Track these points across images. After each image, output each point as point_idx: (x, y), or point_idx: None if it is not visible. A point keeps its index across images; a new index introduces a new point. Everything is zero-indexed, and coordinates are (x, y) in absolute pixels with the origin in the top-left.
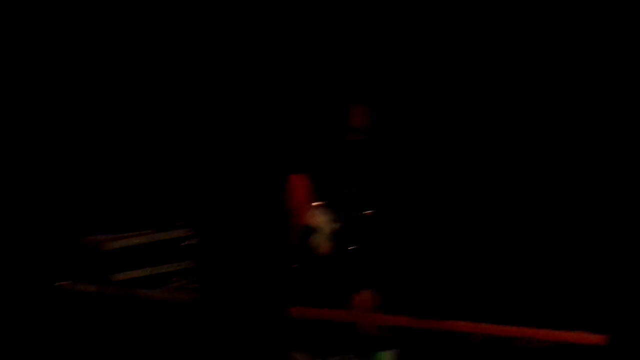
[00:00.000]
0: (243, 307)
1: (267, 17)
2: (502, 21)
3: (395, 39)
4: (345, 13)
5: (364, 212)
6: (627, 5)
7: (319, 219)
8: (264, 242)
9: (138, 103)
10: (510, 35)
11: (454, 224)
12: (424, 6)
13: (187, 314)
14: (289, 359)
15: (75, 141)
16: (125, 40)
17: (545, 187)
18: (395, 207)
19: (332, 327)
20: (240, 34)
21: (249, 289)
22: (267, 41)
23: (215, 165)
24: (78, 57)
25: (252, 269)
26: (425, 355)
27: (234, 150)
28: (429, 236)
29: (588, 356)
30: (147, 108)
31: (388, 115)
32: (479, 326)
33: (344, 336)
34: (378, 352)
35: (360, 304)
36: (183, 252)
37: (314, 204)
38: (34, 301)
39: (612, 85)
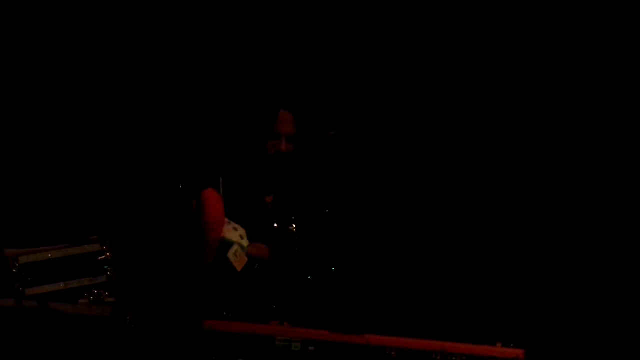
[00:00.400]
0: (159, 321)
1: (179, 18)
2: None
3: (324, 45)
4: (266, 18)
5: (281, 225)
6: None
7: (234, 232)
8: (179, 256)
9: (49, 113)
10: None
11: (373, 237)
12: (353, 15)
13: (102, 328)
14: None
15: None
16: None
17: (458, 202)
18: (314, 220)
19: (248, 341)
20: (151, 37)
21: (165, 302)
22: (181, 46)
23: (130, 180)
24: None
25: (167, 283)
26: None
27: (149, 164)
28: (347, 249)
29: None
30: (60, 118)
31: (310, 126)
32: (397, 340)
33: (261, 350)
34: None
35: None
36: (98, 267)
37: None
38: None
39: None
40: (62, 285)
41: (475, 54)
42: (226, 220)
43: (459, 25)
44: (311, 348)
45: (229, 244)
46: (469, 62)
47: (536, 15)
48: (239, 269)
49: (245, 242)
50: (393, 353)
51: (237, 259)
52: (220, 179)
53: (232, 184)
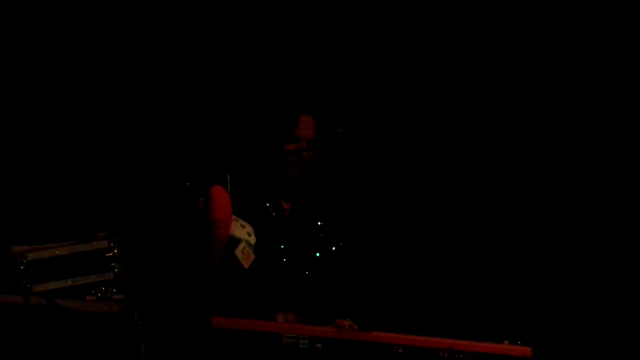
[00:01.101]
0: (166, 318)
1: (197, 17)
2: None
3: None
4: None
5: (290, 223)
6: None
7: (242, 230)
8: (187, 253)
9: (59, 110)
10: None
11: (377, 234)
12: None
13: (110, 325)
14: None
15: None
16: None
17: (465, 200)
18: (322, 218)
19: (255, 338)
20: (166, 36)
21: (172, 300)
22: (189, 44)
23: (138, 177)
24: None
25: (175, 280)
26: None
27: (157, 161)
28: (353, 247)
29: None
30: (68, 115)
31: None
32: (405, 337)
33: (268, 347)
34: None
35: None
36: (105, 263)
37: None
38: None
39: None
40: (69, 282)
41: (481, 56)
42: (234, 217)
43: (471, 29)
44: (318, 345)
45: (237, 241)
46: (477, 63)
47: (536, 16)
48: (246, 266)
49: (252, 240)
50: (400, 350)
51: (244, 256)
52: (228, 176)
53: (247, 190)
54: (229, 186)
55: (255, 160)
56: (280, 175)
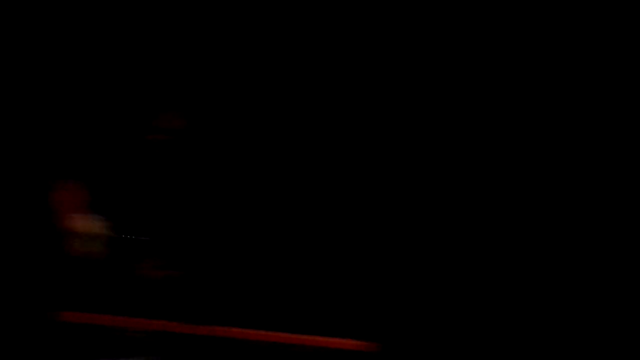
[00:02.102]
0: (10, 311)
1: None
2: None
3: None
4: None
5: (138, 216)
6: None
7: (90, 223)
8: (34, 247)
9: None
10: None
11: (231, 228)
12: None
13: None
14: None
15: None
16: None
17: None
18: (174, 212)
19: (100, 332)
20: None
21: (16, 293)
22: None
23: None
24: None
25: (22, 273)
26: None
27: (5, 155)
28: (204, 240)
29: None
30: None
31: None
32: (246, 332)
33: (112, 341)
34: (144, 358)
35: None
36: None
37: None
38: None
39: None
40: None
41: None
42: (85, 211)
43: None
44: (160, 339)
45: (87, 235)
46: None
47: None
48: (97, 260)
49: (103, 234)
50: (247, 345)
51: (93, 250)
52: (82, 170)
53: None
54: (80, 181)
55: (115, 152)
56: (144, 167)
